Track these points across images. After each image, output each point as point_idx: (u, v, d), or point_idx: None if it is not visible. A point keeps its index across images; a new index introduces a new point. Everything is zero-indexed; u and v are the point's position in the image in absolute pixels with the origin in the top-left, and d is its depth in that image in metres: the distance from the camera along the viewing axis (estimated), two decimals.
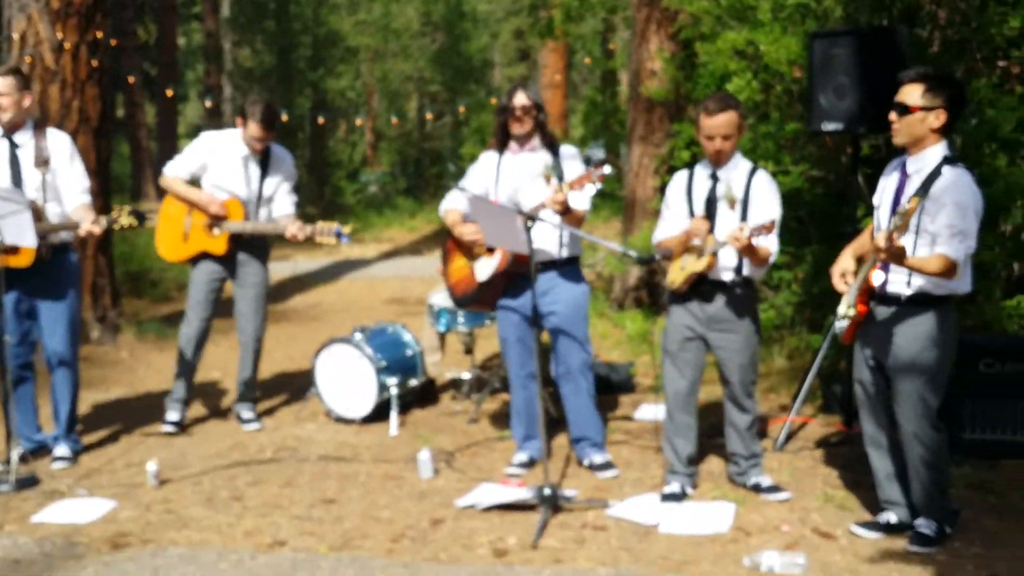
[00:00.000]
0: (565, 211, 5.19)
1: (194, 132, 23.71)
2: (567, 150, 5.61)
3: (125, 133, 24.69)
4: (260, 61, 24.63)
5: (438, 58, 26.29)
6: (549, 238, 5.46)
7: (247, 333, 6.64)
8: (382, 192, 24.79)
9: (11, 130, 5.74)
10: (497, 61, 29.98)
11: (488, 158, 5.71)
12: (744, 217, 4.97)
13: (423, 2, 26.20)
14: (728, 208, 5.00)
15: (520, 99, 5.48)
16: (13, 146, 5.74)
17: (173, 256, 6.59)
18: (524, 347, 5.58)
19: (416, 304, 10.83)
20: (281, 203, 6.60)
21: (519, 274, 5.40)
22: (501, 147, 5.64)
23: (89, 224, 5.64)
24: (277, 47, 24.09)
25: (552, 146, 5.56)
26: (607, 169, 5.07)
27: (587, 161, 5.70)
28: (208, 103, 20.97)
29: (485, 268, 5.56)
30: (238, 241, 6.49)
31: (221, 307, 6.69)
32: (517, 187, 5.52)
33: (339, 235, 6.30)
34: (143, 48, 25.79)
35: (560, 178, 5.31)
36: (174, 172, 6.52)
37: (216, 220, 6.39)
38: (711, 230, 4.99)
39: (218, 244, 6.42)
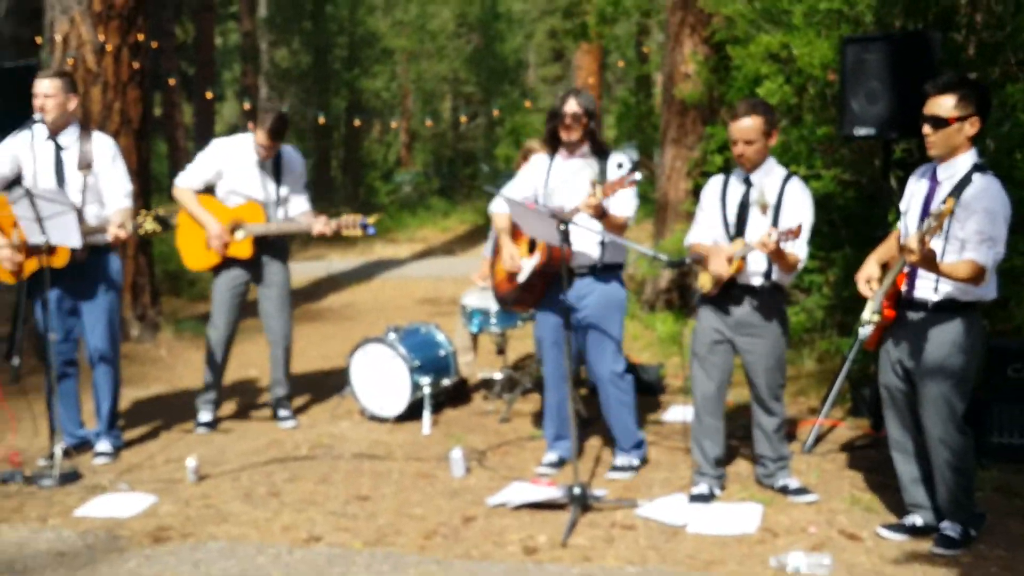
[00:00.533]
0: (601, 215, 5.26)
1: (231, 132, 23.91)
2: (616, 157, 5.65)
3: (163, 133, 24.93)
4: (296, 61, 24.81)
5: (473, 59, 26.43)
6: (589, 243, 5.50)
7: (275, 332, 6.72)
8: (416, 192, 24.91)
9: (55, 132, 5.85)
10: (531, 62, 30.07)
11: (539, 161, 5.78)
12: (776, 223, 5.00)
13: (459, 3, 26.33)
14: (760, 213, 5.03)
15: (571, 106, 5.50)
16: (58, 148, 5.85)
17: (199, 265, 6.60)
18: (559, 349, 5.61)
19: (449, 304, 10.92)
20: (297, 202, 6.67)
21: (559, 275, 5.46)
22: (552, 151, 5.72)
23: (115, 228, 5.75)
24: (313, 47, 24.27)
25: (602, 152, 5.60)
26: (637, 176, 5.12)
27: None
28: (246, 104, 21.17)
29: (524, 269, 5.63)
30: (261, 243, 6.52)
31: (253, 307, 6.78)
32: (556, 189, 5.59)
33: (364, 227, 6.35)
34: (180, 48, 26.02)
35: (603, 184, 5.36)
36: (186, 183, 6.52)
37: (237, 225, 6.42)
38: (741, 234, 5.05)
39: (243, 248, 6.47)
